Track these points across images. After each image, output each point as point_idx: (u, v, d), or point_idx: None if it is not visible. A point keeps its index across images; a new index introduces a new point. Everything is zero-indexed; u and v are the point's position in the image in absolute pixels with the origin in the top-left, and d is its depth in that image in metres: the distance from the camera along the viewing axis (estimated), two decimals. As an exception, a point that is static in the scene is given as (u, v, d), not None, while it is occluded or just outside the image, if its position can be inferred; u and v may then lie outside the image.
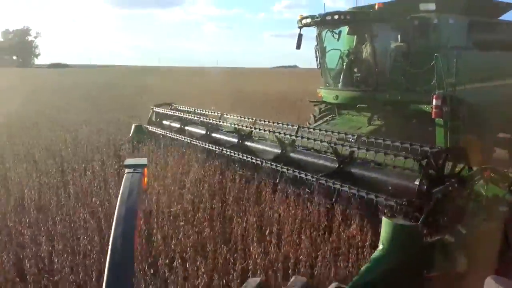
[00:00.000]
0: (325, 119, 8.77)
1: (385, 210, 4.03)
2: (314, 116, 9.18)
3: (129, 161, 2.75)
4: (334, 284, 3.46)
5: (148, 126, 8.90)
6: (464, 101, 6.93)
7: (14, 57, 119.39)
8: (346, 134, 5.50)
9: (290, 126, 6.31)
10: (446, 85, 6.71)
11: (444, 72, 6.69)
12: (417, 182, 4.09)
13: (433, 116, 6.70)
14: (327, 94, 8.47)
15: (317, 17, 7.64)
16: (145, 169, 2.62)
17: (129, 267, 2.16)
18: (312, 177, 4.77)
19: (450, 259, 3.64)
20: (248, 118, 7.11)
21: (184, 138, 7.50)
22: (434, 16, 7.50)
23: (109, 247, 2.17)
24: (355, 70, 8.03)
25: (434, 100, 6.61)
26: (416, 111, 7.23)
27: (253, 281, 3.46)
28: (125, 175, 2.54)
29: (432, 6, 7.69)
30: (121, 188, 2.45)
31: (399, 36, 7.52)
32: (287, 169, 5.19)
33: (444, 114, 6.64)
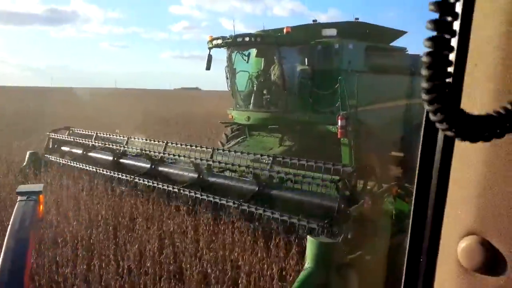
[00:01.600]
0: (236, 140, 8.80)
1: (308, 230, 4.11)
2: (227, 135, 9.18)
3: (22, 187, 2.53)
4: None
5: (47, 155, 8.17)
6: (364, 122, 7.46)
7: None
8: (261, 155, 5.57)
9: (204, 149, 6.22)
10: (349, 107, 7.17)
11: (347, 94, 7.14)
12: (334, 203, 4.26)
13: (338, 136, 7.08)
14: (238, 116, 8.53)
15: (228, 39, 7.70)
16: (41, 196, 2.41)
17: None
18: (234, 203, 4.73)
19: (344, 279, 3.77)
20: (158, 141, 6.88)
21: (89, 167, 6.99)
22: (336, 41, 7.99)
23: None
24: (265, 92, 8.20)
25: (339, 121, 6.99)
26: (324, 131, 7.57)
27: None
28: (17, 203, 2.33)
29: (333, 32, 8.20)
30: (12, 218, 2.25)
31: (304, 59, 7.88)
32: (207, 196, 5.09)
33: (348, 133, 7.05)
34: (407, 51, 10.57)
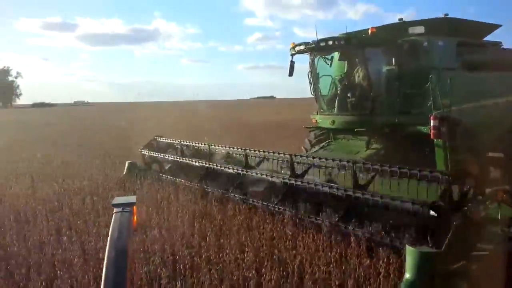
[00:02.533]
0: (321, 145, 8.74)
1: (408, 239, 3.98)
2: (310, 141, 9.16)
3: (117, 199, 2.62)
4: None
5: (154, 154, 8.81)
6: (460, 121, 6.99)
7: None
8: (347, 161, 5.59)
9: (287, 156, 6.33)
10: (442, 106, 6.78)
11: (439, 93, 6.77)
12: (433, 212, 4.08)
13: (431, 137, 6.70)
14: (322, 120, 8.46)
15: (311, 44, 7.69)
16: (134, 208, 2.52)
17: None
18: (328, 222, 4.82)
19: None
20: (239, 148, 7.17)
21: (183, 181, 7.47)
22: (424, 39, 7.64)
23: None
24: (349, 95, 8.05)
25: (431, 121, 6.63)
26: (414, 133, 7.24)
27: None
28: (113, 214, 2.43)
29: (420, 29, 7.86)
30: (110, 229, 2.34)
31: (391, 59, 7.61)
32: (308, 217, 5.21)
33: (442, 134, 6.66)
34: (502, 45, 9.81)
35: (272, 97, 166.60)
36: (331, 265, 4.12)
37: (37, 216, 6.09)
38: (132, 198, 2.61)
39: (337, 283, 3.92)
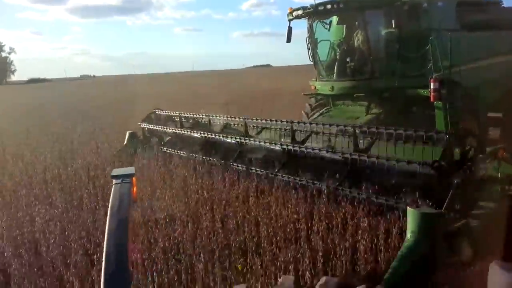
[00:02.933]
0: (321, 111, 8.71)
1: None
2: (311, 105, 9.12)
3: (116, 171, 2.62)
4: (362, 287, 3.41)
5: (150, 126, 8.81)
6: (459, 83, 6.97)
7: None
8: (345, 126, 5.59)
9: (285, 123, 6.31)
10: (442, 68, 6.74)
11: (439, 55, 6.71)
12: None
13: (431, 100, 6.70)
14: (322, 86, 8.41)
15: (309, 8, 7.55)
16: (134, 179, 2.52)
17: (126, 279, 2.09)
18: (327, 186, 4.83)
19: (455, 249, 3.63)
20: (239, 118, 7.16)
21: (182, 153, 7.48)
22: (423, 0, 7.49)
23: (103, 260, 2.09)
24: (348, 59, 7.97)
25: (431, 84, 6.60)
26: (413, 96, 7.22)
27: (287, 279, 3.39)
28: (113, 186, 2.44)
29: (421, -10, 7.69)
30: (110, 200, 2.36)
31: (390, 22, 7.48)
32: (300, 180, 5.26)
33: (442, 96, 6.65)
34: (502, 4, 9.65)
35: (268, 65, 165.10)
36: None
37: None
38: (131, 169, 2.62)
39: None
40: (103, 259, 2.09)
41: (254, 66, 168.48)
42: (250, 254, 3.88)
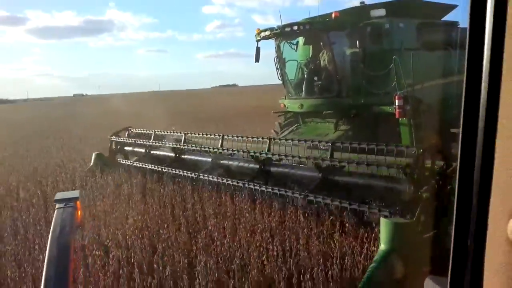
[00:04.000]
0: (290, 128, 8.86)
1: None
2: (280, 124, 9.27)
3: (59, 195, 2.52)
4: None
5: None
6: (421, 100, 7.28)
7: None
8: (319, 141, 5.67)
9: (260, 139, 6.33)
10: (406, 86, 7.03)
11: (402, 73, 7.01)
12: (403, 186, 4.27)
13: (397, 116, 6.96)
14: (291, 104, 8.58)
15: (276, 29, 7.75)
16: (78, 202, 2.42)
17: None
18: (300, 194, 4.88)
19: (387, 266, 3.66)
20: (215, 135, 7.08)
21: (153, 166, 7.38)
22: (386, 21, 7.84)
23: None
24: (315, 78, 8.19)
25: (396, 101, 6.88)
26: (379, 113, 7.47)
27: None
28: (56, 210, 2.34)
29: (382, 12, 8.04)
30: (52, 225, 2.25)
31: (354, 42, 7.77)
32: (272, 189, 5.25)
33: (407, 113, 6.92)
34: (459, 25, 10.20)
35: (234, 85, 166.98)
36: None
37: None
38: (75, 193, 2.53)
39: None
40: (42, 286, 1.98)
41: (220, 86, 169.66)
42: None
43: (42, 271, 2.06)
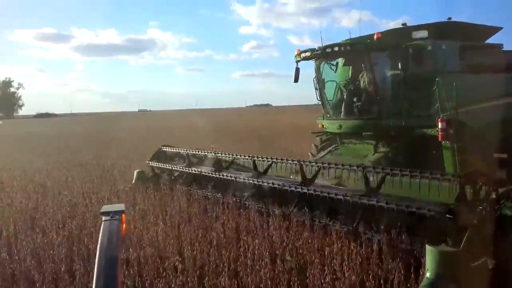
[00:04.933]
0: (328, 149, 8.81)
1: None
2: (316, 146, 9.25)
3: (105, 208, 2.57)
4: None
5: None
6: (465, 123, 7.11)
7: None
8: (357, 166, 5.66)
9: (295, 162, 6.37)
10: (449, 108, 6.89)
11: (446, 96, 6.89)
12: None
13: (439, 139, 6.82)
14: (329, 125, 8.57)
15: (317, 50, 7.81)
16: (123, 216, 2.48)
17: None
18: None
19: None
20: (245, 155, 7.14)
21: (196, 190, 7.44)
22: (428, 43, 7.76)
23: None
24: (355, 99, 8.16)
25: (439, 123, 6.75)
26: (421, 136, 7.34)
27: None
28: (102, 223, 2.39)
29: (424, 34, 7.98)
30: (100, 237, 2.31)
31: (395, 64, 7.71)
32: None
33: (450, 136, 6.78)
34: (503, 47, 9.96)
35: (268, 105, 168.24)
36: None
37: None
38: (120, 206, 2.58)
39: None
40: None
41: (254, 105, 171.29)
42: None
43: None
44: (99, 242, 2.26)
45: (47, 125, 53.10)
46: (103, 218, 2.42)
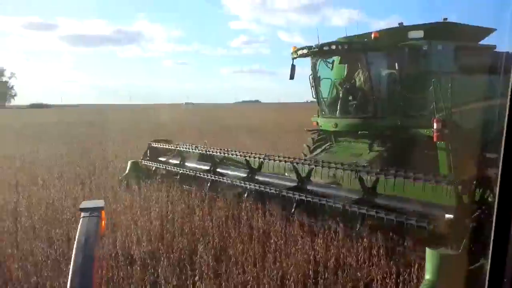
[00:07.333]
0: (323, 147, 8.81)
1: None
2: (309, 147, 9.24)
3: (85, 204, 2.50)
4: None
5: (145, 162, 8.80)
6: (460, 124, 7.17)
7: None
8: (356, 165, 5.63)
9: (291, 159, 6.37)
10: (444, 109, 6.93)
11: (441, 96, 6.92)
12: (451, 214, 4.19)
13: (435, 140, 6.86)
14: (325, 123, 8.56)
15: (314, 48, 7.77)
16: (103, 212, 2.41)
17: None
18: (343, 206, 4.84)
19: None
20: (239, 152, 7.13)
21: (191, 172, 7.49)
22: (424, 43, 7.79)
23: None
24: (350, 98, 8.16)
25: (435, 124, 6.79)
26: (416, 135, 7.38)
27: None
28: (81, 219, 2.32)
29: (420, 34, 7.99)
30: (77, 234, 2.24)
31: (391, 63, 7.73)
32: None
33: (445, 137, 6.82)
34: (496, 48, 10.05)
35: (257, 101, 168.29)
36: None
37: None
38: (100, 202, 2.52)
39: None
40: None
41: (243, 101, 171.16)
42: None
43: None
44: (76, 239, 2.19)
45: (55, 115, 51.80)
46: (82, 214, 2.35)
